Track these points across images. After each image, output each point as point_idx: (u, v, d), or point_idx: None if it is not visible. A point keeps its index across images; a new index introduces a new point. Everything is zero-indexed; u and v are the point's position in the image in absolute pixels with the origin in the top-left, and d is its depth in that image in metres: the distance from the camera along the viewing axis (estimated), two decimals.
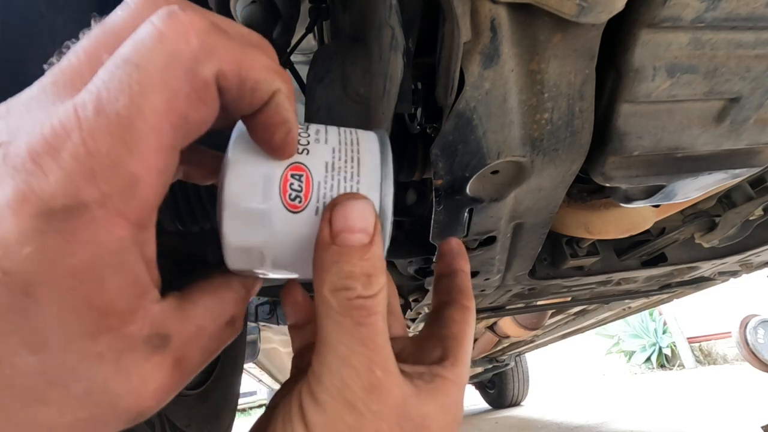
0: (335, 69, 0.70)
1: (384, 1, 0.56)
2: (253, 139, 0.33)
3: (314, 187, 0.33)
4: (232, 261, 0.35)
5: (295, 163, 0.33)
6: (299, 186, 0.33)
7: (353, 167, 0.34)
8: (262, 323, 2.16)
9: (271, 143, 0.33)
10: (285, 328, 2.16)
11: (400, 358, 0.36)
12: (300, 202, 0.33)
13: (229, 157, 0.33)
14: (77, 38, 0.30)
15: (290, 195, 0.33)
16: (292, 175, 0.33)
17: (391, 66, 0.57)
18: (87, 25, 0.31)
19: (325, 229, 0.32)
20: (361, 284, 0.32)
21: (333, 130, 0.37)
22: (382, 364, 0.33)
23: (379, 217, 0.33)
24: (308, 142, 0.35)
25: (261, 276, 0.38)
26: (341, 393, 0.32)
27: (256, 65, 0.29)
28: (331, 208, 0.32)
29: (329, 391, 0.32)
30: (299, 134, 0.35)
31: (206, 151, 0.40)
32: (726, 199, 1.10)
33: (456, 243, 0.50)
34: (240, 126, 0.35)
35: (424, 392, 0.36)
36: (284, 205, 0.33)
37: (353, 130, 0.38)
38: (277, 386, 4.82)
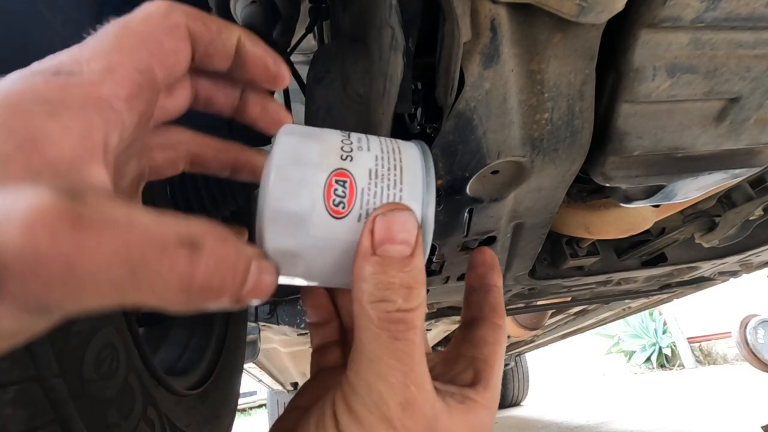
0: (335, 69, 0.70)
1: (384, 1, 0.56)
2: (254, 91, 0.41)
3: (358, 194, 0.33)
4: None
5: (340, 169, 0.33)
6: (343, 192, 0.32)
7: (396, 175, 0.34)
8: (262, 323, 2.16)
9: (267, 77, 0.39)
10: (285, 328, 2.16)
11: (432, 374, 0.36)
12: (344, 208, 0.32)
13: (274, 159, 0.33)
14: (77, 38, 0.31)
15: (334, 200, 0.32)
16: (336, 181, 0.33)
17: (391, 66, 0.57)
18: (86, 25, 0.32)
19: (367, 239, 0.32)
20: (402, 297, 0.32)
21: (375, 139, 0.37)
22: (417, 380, 0.33)
23: (421, 228, 0.33)
24: (351, 149, 0.34)
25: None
26: (377, 407, 0.32)
27: (216, 20, 0.36)
28: (374, 218, 0.32)
29: (365, 404, 0.32)
30: (342, 141, 0.35)
31: (213, 140, 0.46)
32: (726, 199, 1.10)
33: (489, 255, 0.49)
34: (284, 129, 0.35)
35: (454, 411, 0.36)
36: (328, 211, 0.32)
37: (394, 139, 0.38)
38: (277, 386, 4.81)
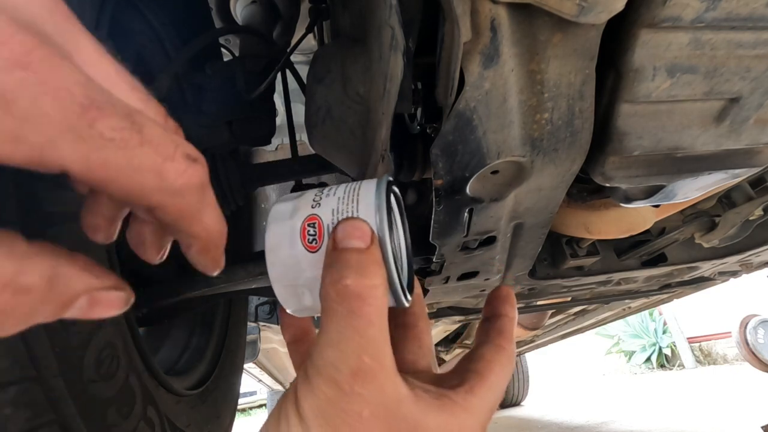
0: (335, 69, 0.70)
1: (384, 1, 0.56)
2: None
3: (325, 230, 0.40)
4: (284, 299, 0.43)
5: (310, 215, 0.41)
6: (314, 231, 0.40)
7: (353, 207, 0.40)
8: (262, 323, 2.16)
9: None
10: None
11: (419, 379, 0.39)
12: (316, 243, 0.40)
13: (268, 219, 0.43)
14: None
15: (308, 239, 0.40)
16: (309, 224, 0.41)
17: (391, 66, 0.57)
18: (87, 27, 0.31)
19: (330, 243, 0.38)
20: (355, 273, 0.35)
21: (342, 186, 0.44)
22: (372, 353, 0.34)
23: (379, 237, 0.38)
24: (320, 198, 0.43)
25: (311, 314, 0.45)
26: (330, 373, 0.34)
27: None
28: (334, 229, 0.38)
29: (319, 371, 0.35)
30: (315, 194, 0.44)
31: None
32: (726, 199, 1.10)
33: (506, 291, 0.51)
34: (278, 199, 0.45)
35: (424, 403, 0.37)
36: (305, 248, 0.40)
37: (361, 182, 0.44)
38: (277, 386, 4.82)
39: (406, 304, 0.41)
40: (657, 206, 1.00)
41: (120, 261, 0.67)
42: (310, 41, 1.46)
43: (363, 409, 0.34)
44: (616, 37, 0.54)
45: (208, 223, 0.33)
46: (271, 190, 1.86)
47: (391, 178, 0.44)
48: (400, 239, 0.46)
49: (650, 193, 0.74)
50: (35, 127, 0.25)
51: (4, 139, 0.24)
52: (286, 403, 0.36)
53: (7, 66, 0.24)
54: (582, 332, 3.10)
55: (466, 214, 0.75)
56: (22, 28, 0.26)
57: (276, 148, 1.95)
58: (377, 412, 0.34)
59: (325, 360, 0.35)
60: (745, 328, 5.56)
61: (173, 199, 0.30)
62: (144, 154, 0.28)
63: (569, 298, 1.75)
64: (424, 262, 1.12)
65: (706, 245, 1.23)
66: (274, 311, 2.14)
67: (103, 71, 0.30)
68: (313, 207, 0.42)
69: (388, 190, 0.42)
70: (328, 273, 0.36)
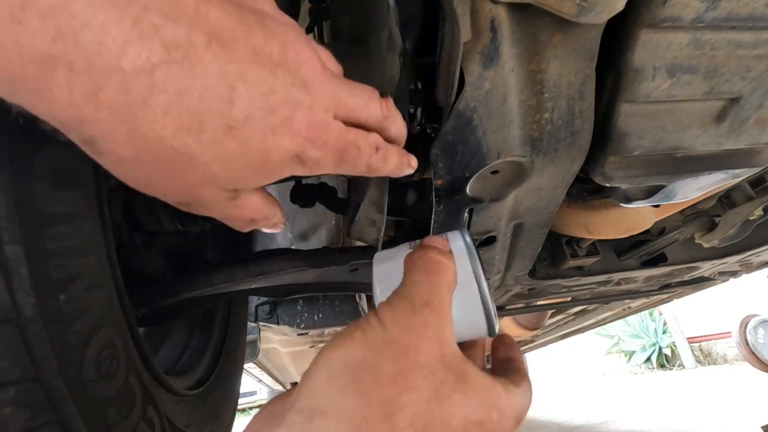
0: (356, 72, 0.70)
1: (382, 2, 0.56)
2: None
3: None
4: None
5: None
6: None
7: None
8: (262, 323, 2.16)
9: None
10: (285, 328, 2.16)
11: None
12: None
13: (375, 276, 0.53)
14: None
15: None
16: None
17: (388, 67, 0.57)
18: None
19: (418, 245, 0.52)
20: (437, 252, 0.49)
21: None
22: (439, 300, 0.45)
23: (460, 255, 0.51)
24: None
25: None
26: (408, 297, 0.44)
27: None
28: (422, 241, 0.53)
29: (400, 295, 0.45)
30: (410, 245, 0.55)
31: None
32: (726, 199, 1.10)
33: (509, 340, 0.58)
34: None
35: (470, 365, 0.43)
36: None
37: (446, 232, 0.56)
38: (277, 386, 4.81)
39: (496, 331, 0.50)
40: (657, 206, 1.00)
41: (120, 261, 0.67)
42: None
43: (427, 329, 0.42)
44: (616, 37, 0.54)
45: None
46: (270, 190, 1.86)
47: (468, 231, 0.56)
48: (484, 279, 0.50)
49: (650, 193, 0.74)
50: None
51: None
52: (368, 316, 0.43)
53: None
54: (582, 332, 3.10)
55: (466, 214, 0.75)
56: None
57: None
58: (435, 338, 0.42)
59: (405, 290, 0.45)
60: (745, 328, 5.57)
61: None
62: None
63: (569, 298, 1.75)
64: None
65: (706, 245, 1.23)
66: (274, 311, 2.14)
67: None
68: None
69: (472, 239, 0.53)
70: (415, 251, 0.50)
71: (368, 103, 0.47)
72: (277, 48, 0.39)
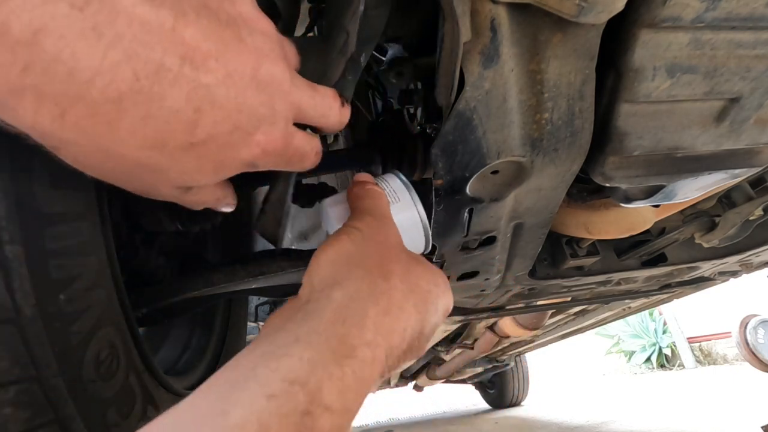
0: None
1: (351, 5, 0.56)
2: None
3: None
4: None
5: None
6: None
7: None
8: (262, 323, 2.16)
9: None
10: None
11: None
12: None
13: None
14: None
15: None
16: None
17: (331, 68, 0.58)
18: None
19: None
20: (371, 184, 0.60)
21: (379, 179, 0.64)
22: (388, 218, 0.58)
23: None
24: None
25: None
26: (369, 213, 0.55)
27: None
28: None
29: (362, 213, 0.55)
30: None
31: None
32: (726, 199, 1.10)
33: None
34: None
35: (418, 255, 0.57)
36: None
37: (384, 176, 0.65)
38: None
39: (429, 248, 0.64)
40: (657, 206, 1.00)
41: (120, 261, 0.67)
42: None
43: (388, 231, 0.54)
44: (616, 37, 0.54)
45: None
46: None
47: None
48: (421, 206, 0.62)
49: (650, 193, 0.74)
50: None
51: None
52: (346, 227, 0.53)
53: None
54: (582, 332, 3.10)
55: (466, 214, 0.76)
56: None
57: None
58: (395, 236, 0.55)
59: (364, 210, 0.55)
60: (745, 328, 5.56)
61: None
62: None
63: (569, 298, 1.75)
64: None
65: (706, 245, 1.23)
66: (274, 311, 2.14)
67: None
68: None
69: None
70: (355, 186, 0.60)
71: (327, 113, 0.50)
72: (250, 66, 0.39)
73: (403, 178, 0.64)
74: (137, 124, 0.35)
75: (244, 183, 0.55)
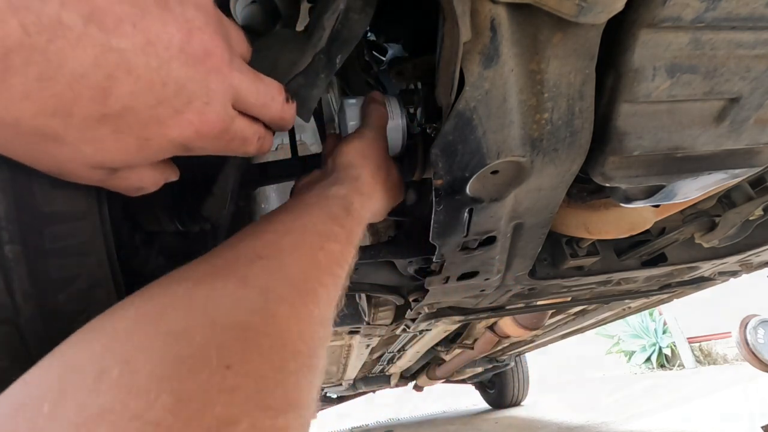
0: (272, 52, 0.70)
1: (333, 2, 0.57)
2: None
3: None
4: None
5: None
6: None
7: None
8: None
9: None
10: None
11: None
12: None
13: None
14: None
15: None
16: None
17: (300, 61, 0.58)
18: None
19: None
20: (381, 105, 0.77)
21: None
22: (384, 132, 0.77)
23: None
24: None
25: None
26: (372, 127, 0.75)
27: None
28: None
29: (369, 126, 0.75)
30: None
31: None
32: (726, 199, 1.10)
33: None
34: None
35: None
36: None
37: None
38: None
39: (401, 150, 0.81)
40: (657, 206, 1.00)
41: (120, 261, 0.67)
42: None
43: (383, 140, 0.75)
44: (616, 37, 0.54)
45: None
46: (271, 190, 1.85)
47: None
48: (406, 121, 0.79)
49: (650, 193, 0.74)
50: None
51: None
52: (360, 131, 0.74)
53: None
54: (582, 332, 3.10)
55: (466, 214, 0.76)
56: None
57: (276, 148, 1.94)
58: (387, 142, 0.76)
59: (371, 124, 0.74)
60: (745, 328, 5.56)
61: None
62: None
63: (569, 298, 1.75)
64: (424, 262, 1.12)
65: (706, 245, 1.22)
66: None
67: None
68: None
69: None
70: (370, 103, 0.76)
71: (269, 103, 0.49)
72: (178, 36, 0.36)
73: (400, 101, 0.79)
74: (32, 86, 0.31)
75: (248, 181, 0.56)
